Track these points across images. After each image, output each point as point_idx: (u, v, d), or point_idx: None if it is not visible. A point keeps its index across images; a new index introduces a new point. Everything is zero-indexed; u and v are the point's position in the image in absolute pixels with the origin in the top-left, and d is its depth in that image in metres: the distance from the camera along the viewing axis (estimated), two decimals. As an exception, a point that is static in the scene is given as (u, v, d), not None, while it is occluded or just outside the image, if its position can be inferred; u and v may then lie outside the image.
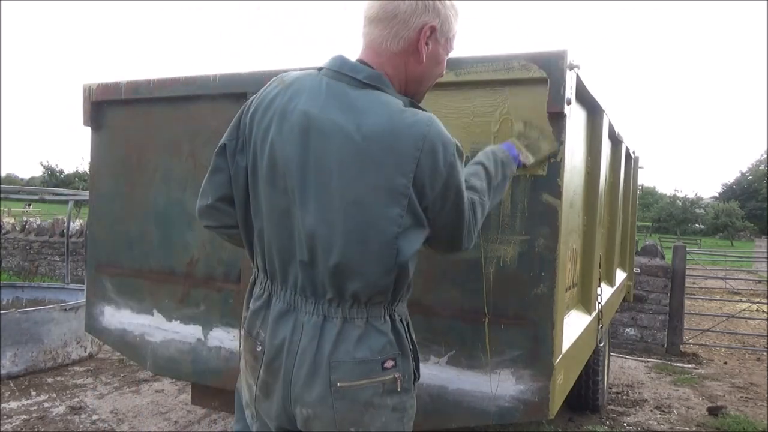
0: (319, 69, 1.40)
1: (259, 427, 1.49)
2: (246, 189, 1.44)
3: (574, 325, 2.35)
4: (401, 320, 1.41)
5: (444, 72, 1.50)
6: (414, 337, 1.45)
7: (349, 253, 1.30)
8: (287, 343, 1.35)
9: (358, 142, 1.27)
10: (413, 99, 1.42)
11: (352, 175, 1.28)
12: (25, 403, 3.93)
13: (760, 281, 12.00)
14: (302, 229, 1.32)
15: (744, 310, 8.22)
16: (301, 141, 1.31)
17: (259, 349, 1.41)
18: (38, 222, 10.52)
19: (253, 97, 1.46)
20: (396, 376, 1.35)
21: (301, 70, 1.47)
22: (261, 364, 1.41)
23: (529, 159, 1.81)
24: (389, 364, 1.34)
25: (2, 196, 6.42)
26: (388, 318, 1.38)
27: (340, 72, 1.34)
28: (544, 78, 1.83)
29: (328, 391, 1.31)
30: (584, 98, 2.35)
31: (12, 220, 11.42)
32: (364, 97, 1.31)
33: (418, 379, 1.47)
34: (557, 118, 1.85)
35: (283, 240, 1.36)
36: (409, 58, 1.37)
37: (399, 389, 1.36)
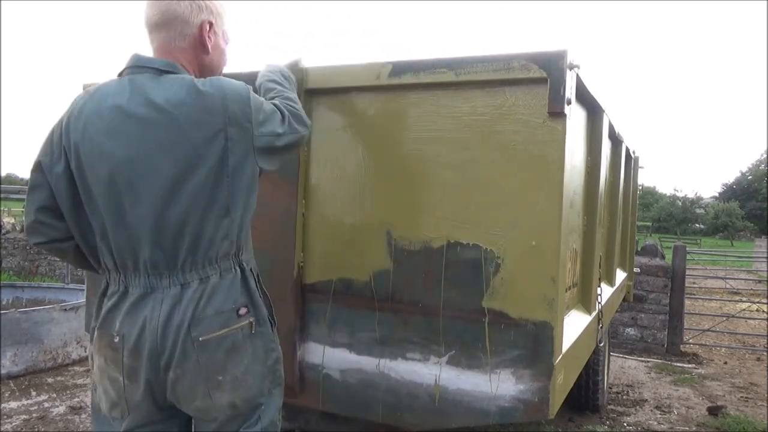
0: (119, 75, 1.54)
1: (130, 422, 1.53)
2: (73, 196, 1.51)
3: (574, 325, 2.35)
4: (250, 270, 1.57)
5: (226, 61, 1.68)
6: (263, 285, 1.61)
7: (190, 207, 1.43)
8: (147, 320, 1.44)
9: (170, 111, 1.41)
10: None
11: (174, 141, 1.41)
12: (25, 403, 3.93)
13: (760, 281, 11.99)
14: (140, 209, 1.43)
15: (744, 310, 8.22)
16: (119, 131, 1.44)
17: (116, 340, 1.48)
18: (38, 222, 10.49)
19: (61, 116, 1.55)
20: (251, 321, 1.51)
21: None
22: (122, 351, 1.47)
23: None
24: (243, 311, 1.50)
25: (2, 196, 6.43)
26: (238, 268, 1.53)
27: (139, 66, 1.50)
28: (544, 78, 1.83)
29: (192, 348, 1.43)
30: (584, 98, 2.35)
31: (12, 220, 11.42)
32: (164, 80, 1.47)
33: (275, 325, 1.62)
34: (557, 118, 1.85)
35: (128, 228, 1.46)
36: (197, 51, 1.56)
37: (254, 332, 1.52)
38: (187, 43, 1.54)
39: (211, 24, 1.56)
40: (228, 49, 1.68)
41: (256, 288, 1.56)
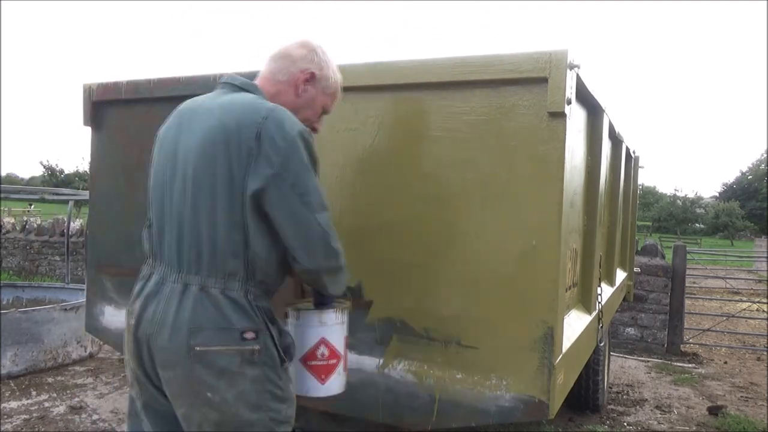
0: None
1: (143, 401, 1.61)
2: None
3: (574, 325, 2.36)
4: (258, 307, 1.51)
5: (317, 125, 1.77)
6: (277, 326, 1.57)
7: (200, 215, 1.48)
8: (152, 311, 1.49)
9: (215, 113, 1.53)
10: None
11: (208, 141, 1.49)
12: (25, 402, 3.93)
13: (760, 281, 11.98)
14: (172, 202, 1.53)
15: (744, 309, 8.21)
16: (177, 128, 1.60)
17: (132, 322, 1.54)
18: (38, 222, 10.53)
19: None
20: (255, 348, 1.46)
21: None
22: (132, 335, 1.54)
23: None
24: (249, 335, 1.46)
25: (2, 196, 6.43)
26: (243, 294, 1.49)
27: (224, 82, 1.66)
28: (544, 78, 1.83)
29: (186, 355, 1.42)
30: (584, 98, 2.35)
31: (12, 220, 11.43)
32: (233, 94, 1.60)
33: (285, 362, 1.56)
34: (557, 118, 1.85)
35: (163, 218, 1.56)
36: (289, 89, 1.68)
37: (257, 361, 1.47)
38: (285, 78, 1.68)
39: (312, 75, 1.68)
40: (318, 116, 1.76)
41: (265, 323, 1.51)
